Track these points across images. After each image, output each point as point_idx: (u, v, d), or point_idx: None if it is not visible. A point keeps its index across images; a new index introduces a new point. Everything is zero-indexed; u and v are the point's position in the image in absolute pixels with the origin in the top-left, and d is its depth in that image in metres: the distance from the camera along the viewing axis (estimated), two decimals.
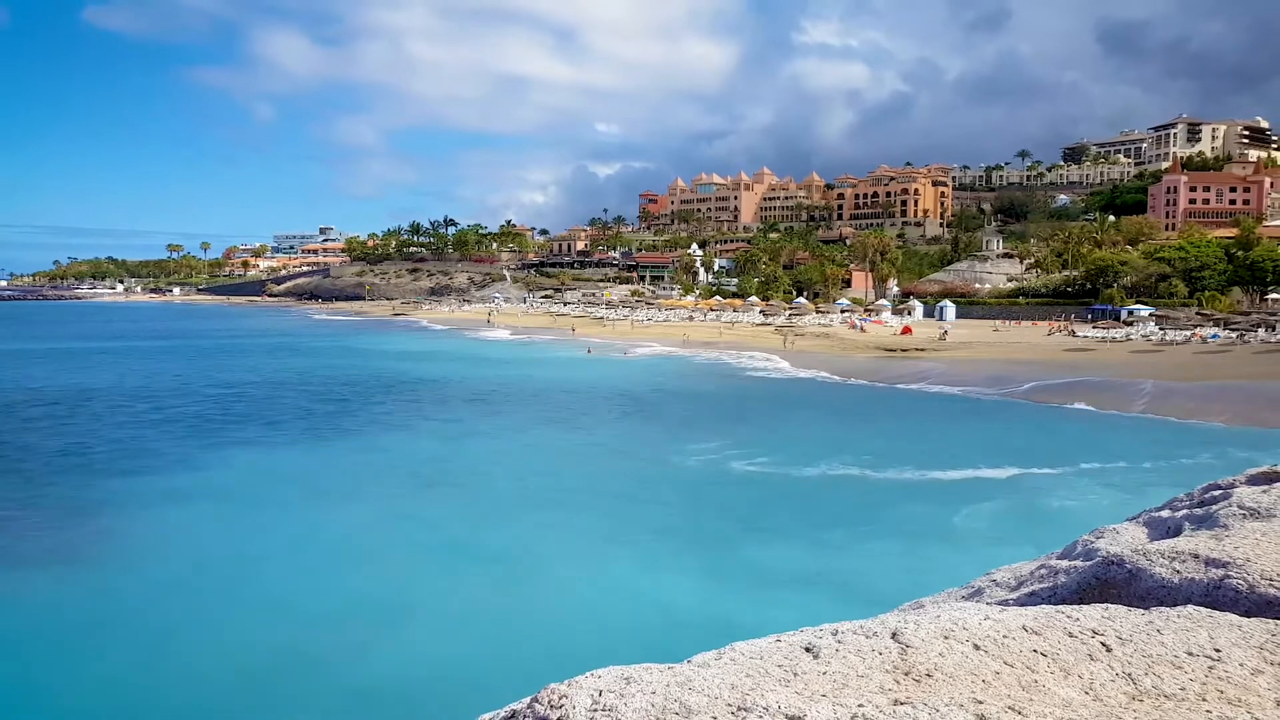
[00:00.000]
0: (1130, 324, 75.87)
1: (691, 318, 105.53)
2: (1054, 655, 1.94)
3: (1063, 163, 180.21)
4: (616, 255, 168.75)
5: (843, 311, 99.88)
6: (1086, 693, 1.79)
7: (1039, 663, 1.90)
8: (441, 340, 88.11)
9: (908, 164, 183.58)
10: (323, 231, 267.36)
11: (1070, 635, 2.02)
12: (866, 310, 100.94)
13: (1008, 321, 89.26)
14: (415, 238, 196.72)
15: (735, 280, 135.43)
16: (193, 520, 22.01)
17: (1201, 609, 2.19)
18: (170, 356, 67.77)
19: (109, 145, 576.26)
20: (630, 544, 20.02)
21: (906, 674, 1.82)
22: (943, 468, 26.71)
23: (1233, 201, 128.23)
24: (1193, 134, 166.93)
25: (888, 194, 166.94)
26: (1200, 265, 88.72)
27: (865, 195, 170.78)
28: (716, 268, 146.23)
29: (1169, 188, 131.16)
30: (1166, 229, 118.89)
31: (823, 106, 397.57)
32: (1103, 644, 1.99)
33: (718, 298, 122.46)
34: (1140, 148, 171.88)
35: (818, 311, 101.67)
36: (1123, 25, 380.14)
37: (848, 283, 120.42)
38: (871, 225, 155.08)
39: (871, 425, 36.43)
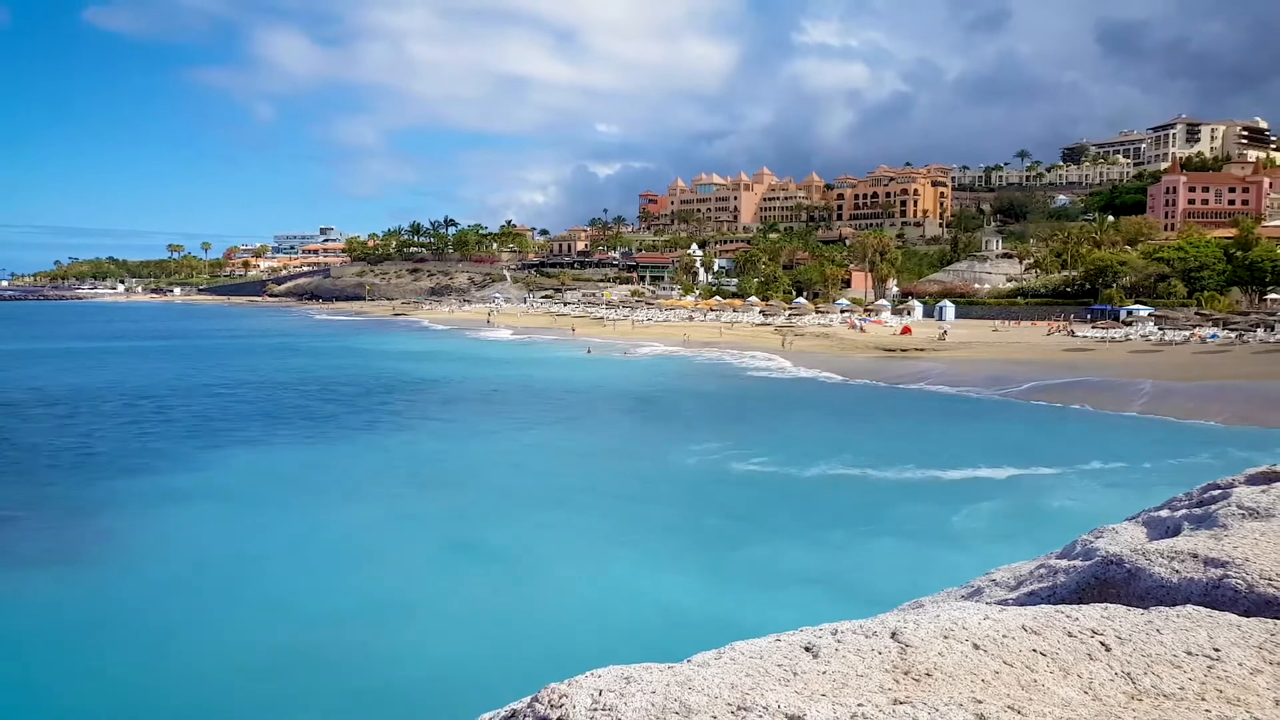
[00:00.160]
0: (1129, 324, 75.91)
1: (691, 318, 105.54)
2: (1053, 655, 1.94)
3: (1062, 163, 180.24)
4: (616, 255, 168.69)
5: (842, 312, 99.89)
6: (1086, 692, 1.80)
7: (1038, 662, 1.91)
8: (442, 340, 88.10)
9: (907, 164, 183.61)
10: (323, 232, 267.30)
11: (1069, 635, 2.03)
12: (866, 310, 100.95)
13: (1007, 322, 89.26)
14: (415, 238, 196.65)
15: (735, 280, 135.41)
16: (193, 520, 22.01)
17: (1200, 608, 2.19)
18: (171, 356, 67.75)
19: (109, 145, 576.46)
20: (631, 543, 20.03)
21: (906, 673, 1.82)
22: (942, 467, 26.72)
23: (1231, 202, 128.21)
24: (1192, 134, 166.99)
25: (887, 194, 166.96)
26: (1199, 265, 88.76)
27: (865, 195, 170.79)
28: (716, 268, 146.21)
29: (1168, 188, 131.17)
30: (1165, 229, 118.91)
31: (822, 106, 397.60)
32: (1102, 643, 1.99)
33: (717, 298, 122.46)
34: (1139, 148, 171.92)
35: (817, 311, 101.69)
36: (1122, 25, 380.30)
37: (847, 283, 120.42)
38: (871, 225, 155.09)
39: (871, 425, 36.44)
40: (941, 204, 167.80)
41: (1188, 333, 68.10)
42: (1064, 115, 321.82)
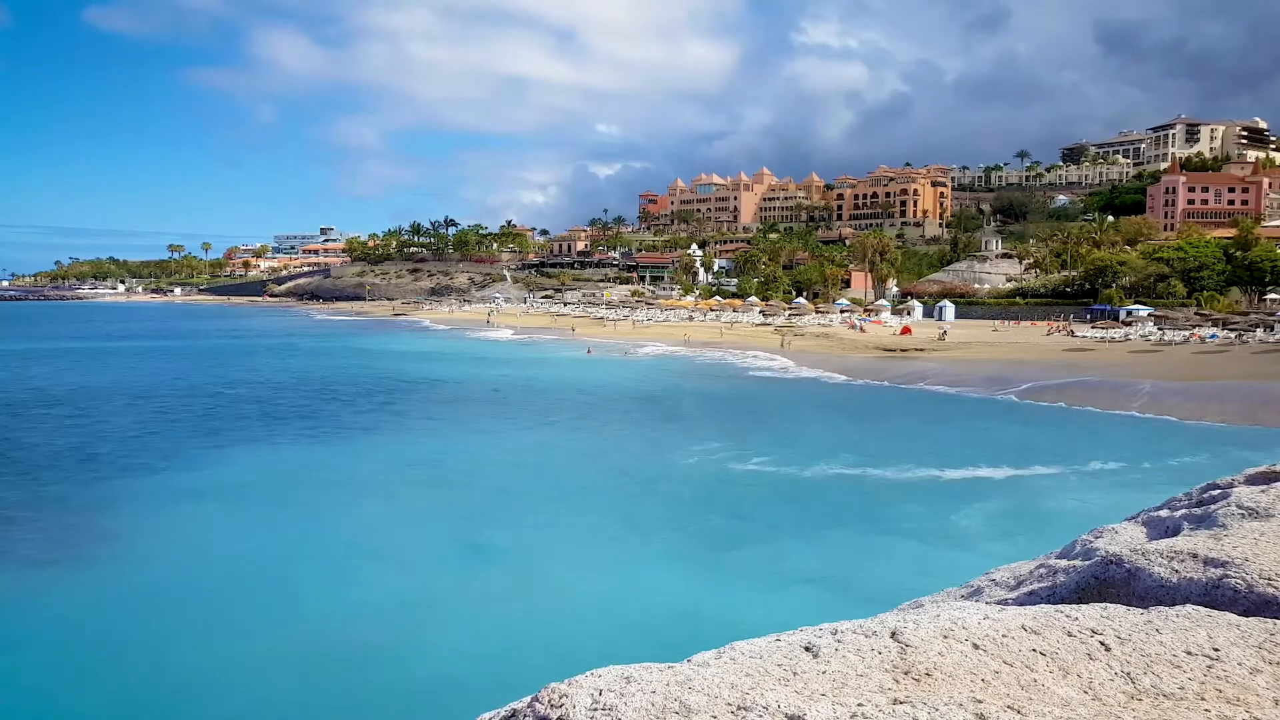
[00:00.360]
0: (1129, 324, 75.92)
1: (691, 318, 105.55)
2: (1053, 654, 1.94)
3: (1062, 163, 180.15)
4: (616, 255, 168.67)
5: (842, 312, 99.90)
6: (1085, 692, 1.80)
7: (1038, 662, 1.91)
8: (443, 340, 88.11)
9: (907, 164, 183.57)
10: (323, 232, 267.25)
11: (1069, 634, 2.03)
12: (866, 310, 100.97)
13: (1007, 322, 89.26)
14: (416, 238, 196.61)
15: (735, 280, 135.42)
16: (194, 520, 22.01)
17: (1200, 608, 2.19)
18: (172, 356, 67.75)
19: (110, 146, 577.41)
20: (631, 543, 20.04)
21: (906, 673, 1.82)
22: (942, 467, 26.72)
23: (1231, 202, 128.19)
24: (1191, 134, 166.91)
25: (887, 194, 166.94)
26: (1199, 265, 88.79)
27: (864, 196, 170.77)
28: (716, 268, 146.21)
29: (1168, 188, 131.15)
30: (1165, 229, 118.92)
31: (822, 107, 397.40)
32: (1101, 643, 1.99)
33: (717, 298, 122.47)
34: (1139, 148, 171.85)
35: (817, 312, 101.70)
36: (1121, 26, 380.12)
37: (847, 283, 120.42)
38: (871, 226, 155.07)
39: (871, 425, 36.45)
40: (941, 204, 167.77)
41: (1187, 333, 68.10)
42: (1063, 115, 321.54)
